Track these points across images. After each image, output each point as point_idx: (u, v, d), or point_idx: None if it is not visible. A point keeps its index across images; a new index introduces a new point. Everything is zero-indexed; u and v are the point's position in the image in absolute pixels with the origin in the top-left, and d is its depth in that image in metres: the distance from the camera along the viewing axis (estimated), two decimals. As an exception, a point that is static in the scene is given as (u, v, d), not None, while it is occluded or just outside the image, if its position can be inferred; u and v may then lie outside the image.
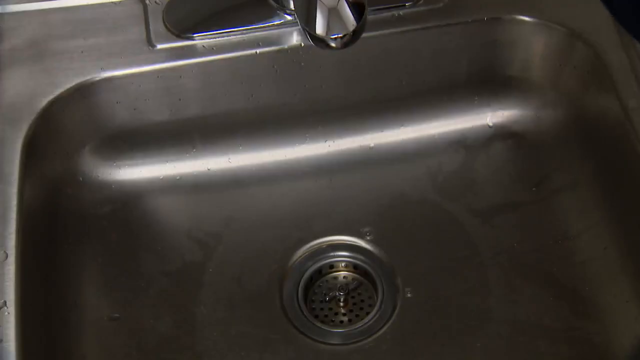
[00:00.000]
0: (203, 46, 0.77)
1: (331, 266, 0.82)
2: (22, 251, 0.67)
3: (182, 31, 0.78)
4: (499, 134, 0.87)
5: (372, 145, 0.87)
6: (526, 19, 0.80)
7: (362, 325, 0.77)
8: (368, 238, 0.82)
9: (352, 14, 0.56)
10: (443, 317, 0.77)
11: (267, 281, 0.79)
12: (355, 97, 0.84)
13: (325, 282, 0.81)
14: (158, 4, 0.79)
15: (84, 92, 0.76)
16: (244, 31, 0.78)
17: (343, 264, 0.82)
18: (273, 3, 0.78)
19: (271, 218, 0.83)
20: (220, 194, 0.85)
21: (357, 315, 0.79)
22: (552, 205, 0.84)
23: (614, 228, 0.80)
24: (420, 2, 0.79)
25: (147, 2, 0.79)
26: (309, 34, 0.57)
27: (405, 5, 0.79)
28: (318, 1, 0.56)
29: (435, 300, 0.79)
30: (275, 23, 0.78)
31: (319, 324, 0.78)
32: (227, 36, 0.78)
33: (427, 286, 0.79)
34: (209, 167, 0.85)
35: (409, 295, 0.78)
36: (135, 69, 0.76)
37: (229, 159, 0.85)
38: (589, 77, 0.79)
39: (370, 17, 0.70)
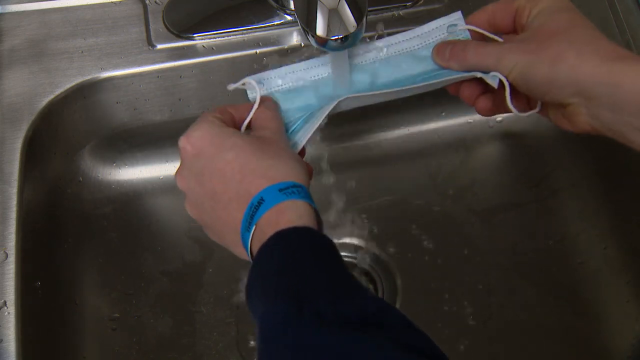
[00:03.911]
0: (203, 46, 0.77)
1: (331, 266, 0.82)
2: (22, 251, 0.67)
3: (182, 31, 0.77)
4: (499, 134, 0.87)
5: (372, 145, 0.87)
6: (526, 19, 0.80)
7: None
8: (368, 238, 0.82)
9: (352, 15, 0.56)
10: (443, 317, 0.77)
11: (267, 281, 0.79)
12: (355, 97, 0.84)
13: (325, 282, 0.81)
14: (158, 4, 0.79)
15: (84, 92, 0.76)
16: (244, 31, 0.78)
17: (343, 264, 0.82)
18: (273, 3, 0.78)
19: (271, 218, 0.83)
20: (220, 194, 0.85)
21: (357, 315, 0.79)
22: (552, 205, 0.84)
23: (614, 228, 0.80)
24: (420, 2, 0.79)
25: (147, 2, 0.79)
26: (309, 34, 0.57)
27: (405, 5, 0.79)
28: (318, 2, 0.56)
29: (435, 300, 0.79)
30: (275, 23, 0.78)
31: (319, 324, 0.78)
32: (227, 36, 0.78)
33: (427, 286, 0.79)
34: (209, 167, 0.85)
35: (408, 295, 0.78)
36: (135, 69, 0.76)
37: (229, 159, 0.85)
38: (589, 77, 0.79)
39: (370, 17, 0.70)
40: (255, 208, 0.49)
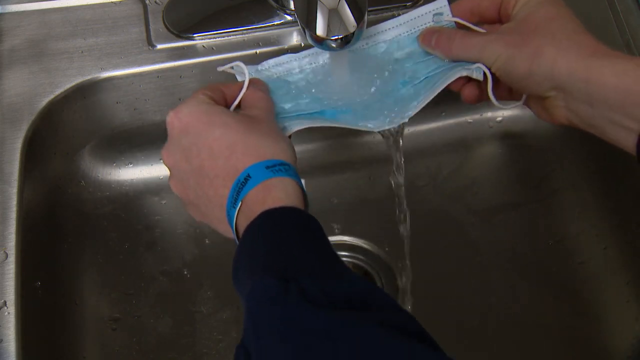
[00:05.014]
0: (203, 46, 0.77)
1: (331, 266, 0.82)
2: (22, 251, 0.67)
3: (182, 31, 0.77)
4: (499, 134, 0.87)
5: (372, 144, 0.87)
6: (526, 19, 0.80)
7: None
8: (368, 238, 0.82)
9: (352, 15, 0.56)
10: (443, 317, 0.77)
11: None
12: (355, 97, 0.84)
13: (325, 282, 0.81)
14: (158, 4, 0.79)
15: (84, 92, 0.76)
16: (244, 31, 0.78)
17: (343, 264, 0.82)
18: (273, 3, 0.78)
19: (271, 218, 0.83)
20: (220, 194, 0.85)
21: (357, 315, 0.79)
22: (552, 205, 0.84)
23: (614, 228, 0.80)
24: (420, 2, 0.79)
25: (147, 2, 0.79)
26: (309, 34, 0.57)
27: (405, 5, 0.79)
28: (318, 2, 0.56)
29: (435, 300, 0.79)
30: (275, 23, 0.78)
31: (319, 324, 0.78)
32: (227, 36, 0.78)
33: (427, 286, 0.79)
34: (209, 167, 0.85)
35: (408, 295, 0.78)
36: (135, 69, 0.76)
37: (229, 158, 0.85)
38: (589, 77, 0.79)
39: (370, 17, 0.69)
40: (242, 184, 0.49)
